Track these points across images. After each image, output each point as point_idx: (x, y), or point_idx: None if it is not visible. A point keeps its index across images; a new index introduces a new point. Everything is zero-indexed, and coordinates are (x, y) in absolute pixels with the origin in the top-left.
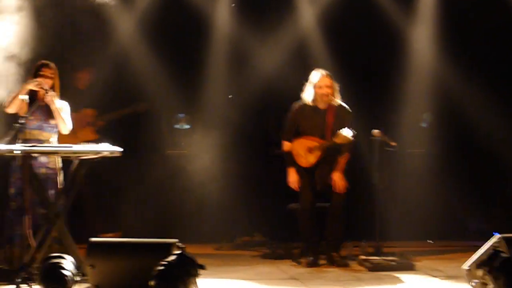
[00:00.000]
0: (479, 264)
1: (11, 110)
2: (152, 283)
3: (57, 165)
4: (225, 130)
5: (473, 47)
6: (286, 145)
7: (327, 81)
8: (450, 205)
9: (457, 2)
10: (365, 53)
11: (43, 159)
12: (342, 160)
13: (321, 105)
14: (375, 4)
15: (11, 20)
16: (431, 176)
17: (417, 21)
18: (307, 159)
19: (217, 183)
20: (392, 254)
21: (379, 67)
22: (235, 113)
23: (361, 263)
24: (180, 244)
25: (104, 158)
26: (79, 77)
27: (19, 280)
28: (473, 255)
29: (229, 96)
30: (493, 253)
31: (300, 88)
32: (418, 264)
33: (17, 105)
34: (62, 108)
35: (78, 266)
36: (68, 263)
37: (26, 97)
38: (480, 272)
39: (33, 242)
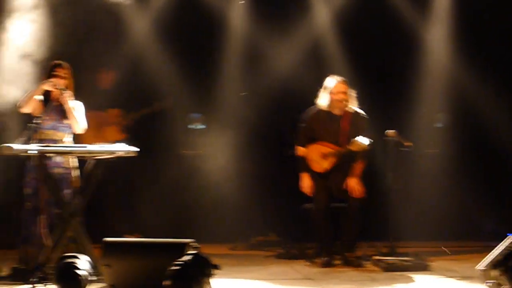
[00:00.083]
0: (494, 264)
1: (26, 110)
2: (167, 283)
3: (72, 164)
4: (240, 130)
5: (488, 47)
6: (300, 151)
7: (343, 88)
8: (464, 205)
9: (472, 2)
10: (380, 54)
11: (58, 159)
12: (358, 166)
13: (337, 111)
14: (389, 5)
15: (27, 18)
16: (446, 176)
17: (432, 22)
18: (321, 165)
19: (232, 183)
20: (407, 255)
21: (393, 67)
22: (250, 113)
23: (376, 263)
24: (194, 244)
25: (119, 158)
26: (101, 77)
27: (35, 279)
28: (488, 255)
29: (242, 94)
30: (508, 253)
31: (314, 88)
32: (432, 264)
33: (32, 105)
34: (75, 107)
35: (93, 266)
36: (83, 263)
37: (41, 97)
38: (495, 273)
39: (48, 242)
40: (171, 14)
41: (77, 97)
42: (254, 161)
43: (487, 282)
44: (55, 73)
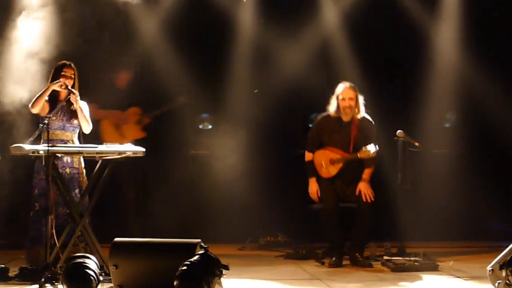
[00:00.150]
0: (502, 264)
1: (35, 110)
2: (175, 283)
3: (80, 164)
4: (249, 130)
5: (497, 46)
6: (308, 156)
7: (351, 93)
8: (473, 205)
9: (481, 1)
10: (389, 54)
11: (67, 159)
12: (368, 171)
13: (345, 117)
14: (398, 4)
15: (35, 16)
16: (455, 176)
17: (440, 21)
18: (329, 171)
19: (241, 183)
20: (416, 255)
21: (402, 67)
22: (259, 113)
23: (385, 263)
24: (203, 244)
25: (128, 158)
26: (119, 77)
27: (43, 280)
28: (497, 255)
29: (255, 91)
30: None
31: (323, 88)
32: (441, 264)
33: (41, 105)
34: (83, 108)
35: (102, 266)
36: (91, 263)
37: (46, 97)
38: (503, 273)
39: (57, 242)
40: (179, 14)
41: (93, 96)
42: (263, 161)
43: (495, 282)
44: (63, 73)
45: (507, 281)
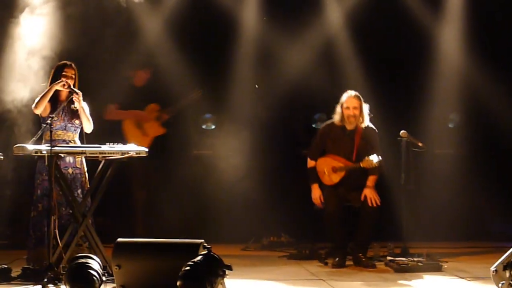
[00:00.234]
0: (506, 265)
1: (38, 111)
2: (178, 283)
3: (82, 164)
4: (252, 130)
5: (501, 48)
6: (310, 163)
7: (355, 103)
8: (477, 206)
9: (485, 3)
10: (392, 54)
11: (70, 159)
12: (372, 178)
13: (349, 126)
14: (402, 5)
15: (38, 13)
16: (458, 176)
17: (444, 22)
18: (331, 178)
19: (244, 183)
20: (419, 255)
21: (406, 68)
22: (262, 113)
23: (388, 264)
24: (206, 244)
25: (131, 159)
26: (136, 75)
27: (46, 280)
28: (500, 256)
29: (255, 86)
30: None
31: (326, 88)
32: (445, 265)
33: (44, 106)
34: (84, 108)
35: (105, 266)
36: (94, 263)
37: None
38: (507, 274)
39: (59, 243)
40: (183, 14)
41: (110, 96)
42: (266, 161)
43: (499, 283)
44: (64, 73)
45: (511, 282)
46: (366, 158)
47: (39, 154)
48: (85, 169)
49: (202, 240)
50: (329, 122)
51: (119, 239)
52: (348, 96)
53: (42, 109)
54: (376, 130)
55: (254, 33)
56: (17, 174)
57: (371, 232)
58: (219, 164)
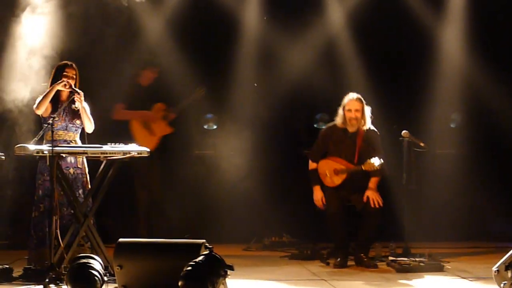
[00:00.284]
0: (508, 265)
1: (40, 111)
2: (180, 283)
3: (84, 164)
4: (254, 130)
5: (502, 48)
6: (312, 165)
7: (357, 105)
8: (479, 206)
9: (486, 3)
10: (394, 54)
11: (71, 159)
12: (374, 179)
13: (351, 128)
14: (404, 5)
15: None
16: (460, 176)
17: (446, 22)
18: (333, 180)
19: (246, 183)
20: (421, 255)
21: (408, 67)
22: (264, 113)
23: (390, 264)
24: (208, 244)
25: (133, 159)
26: (143, 75)
27: (48, 280)
28: (502, 256)
29: (255, 84)
30: None
31: (327, 88)
32: (446, 265)
33: (46, 106)
34: (86, 108)
35: (106, 266)
36: (96, 263)
37: None
38: (509, 274)
39: (61, 243)
40: (184, 13)
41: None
42: (268, 161)
43: (501, 283)
44: (65, 73)
45: None
46: (368, 160)
47: (40, 154)
48: (87, 169)
49: (204, 240)
50: (331, 124)
51: (121, 239)
52: (350, 98)
53: (43, 110)
54: (378, 133)
55: (255, 33)
56: (19, 174)
57: (373, 233)
58: (220, 164)
